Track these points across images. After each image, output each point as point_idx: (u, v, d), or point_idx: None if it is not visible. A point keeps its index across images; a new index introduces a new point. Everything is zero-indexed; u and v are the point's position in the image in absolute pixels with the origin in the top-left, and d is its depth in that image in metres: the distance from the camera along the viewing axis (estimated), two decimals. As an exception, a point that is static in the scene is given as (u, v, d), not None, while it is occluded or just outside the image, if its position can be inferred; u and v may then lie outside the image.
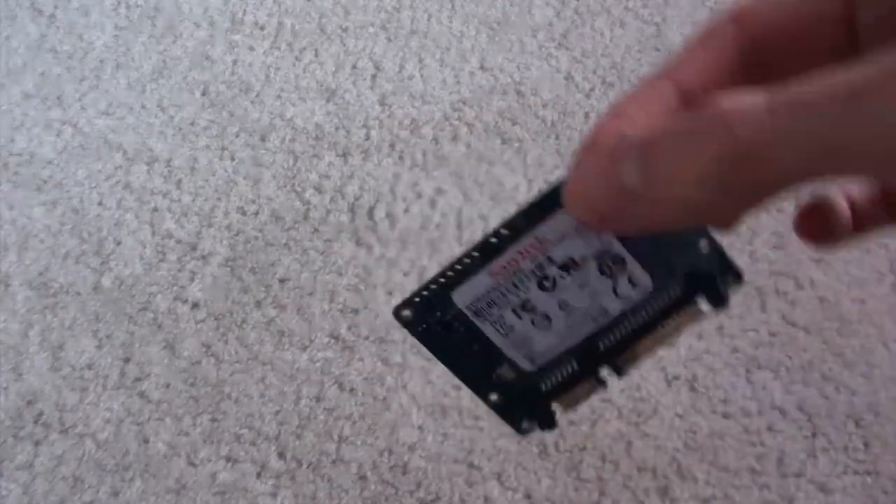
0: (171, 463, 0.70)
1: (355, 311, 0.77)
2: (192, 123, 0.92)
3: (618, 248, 0.24)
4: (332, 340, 0.76)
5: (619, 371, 0.26)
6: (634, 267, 0.24)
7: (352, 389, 0.73)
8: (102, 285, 0.80)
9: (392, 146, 0.89)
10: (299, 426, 0.71)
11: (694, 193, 0.17)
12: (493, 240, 0.23)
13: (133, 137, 0.91)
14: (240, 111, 0.93)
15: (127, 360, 0.75)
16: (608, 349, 0.25)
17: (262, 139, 0.91)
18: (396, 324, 0.83)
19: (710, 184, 0.17)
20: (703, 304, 0.25)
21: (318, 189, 0.86)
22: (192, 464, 0.70)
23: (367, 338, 0.76)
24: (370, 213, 0.84)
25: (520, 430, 0.26)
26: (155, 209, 0.85)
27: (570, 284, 0.24)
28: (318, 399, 0.73)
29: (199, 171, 0.88)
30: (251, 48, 0.99)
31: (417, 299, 0.25)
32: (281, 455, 0.70)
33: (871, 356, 0.75)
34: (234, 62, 0.98)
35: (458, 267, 0.24)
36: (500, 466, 0.69)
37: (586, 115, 0.92)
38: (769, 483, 0.69)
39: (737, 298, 0.78)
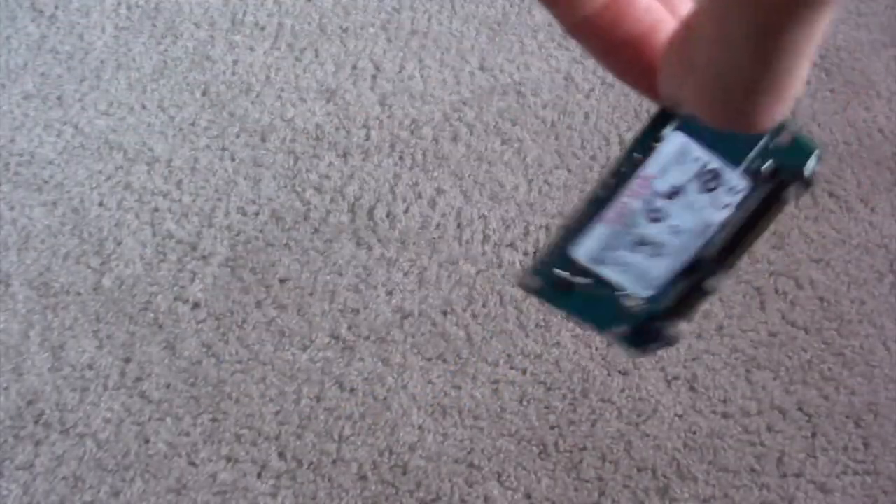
0: (172, 463, 0.70)
1: (355, 311, 0.77)
2: (192, 124, 0.92)
3: (714, 163, 0.25)
4: (333, 340, 0.76)
5: (725, 274, 0.27)
6: (731, 176, 0.25)
7: (352, 389, 0.73)
8: (103, 285, 0.80)
9: (392, 146, 0.89)
10: (300, 426, 0.71)
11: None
12: (602, 191, 0.25)
13: (133, 138, 0.91)
14: (240, 111, 0.93)
15: (127, 361, 0.75)
16: (715, 256, 0.27)
17: (263, 139, 0.91)
18: (396, 324, 0.83)
19: None
20: (790, 192, 0.26)
21: (319, 189, 0.86)
22: (192, 464, 0.70)
23: (367, 338, 0.76)
24: (370, 213, 0.84)
25: (648, 353, 0.28)
26: (155, 209, 0.85)
27: (678, 210, 0.25)
28: (318, 399, 0.73)
29: (199, 172, 0.88)
30: (251, 48, 0.99)
31: (540, 265, 0.26)
32: (281, 455, 0.70)
33: (870, 356, 0.75)
34: (235, 62, 0.98)
35: (573, 224, 0.25)
36: (500, 466, 0.69)
37: (586, 115, 0.92)
38: (769, 483, 0.69)
39: (736, 298, 0.78)
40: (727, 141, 0.24)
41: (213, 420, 0.72)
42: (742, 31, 0.18)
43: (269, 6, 1.02)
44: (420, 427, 0.71)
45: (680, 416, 0.72)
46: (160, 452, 0.70)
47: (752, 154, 0.25)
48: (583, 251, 0.26)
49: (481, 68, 0.96)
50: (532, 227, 0.83)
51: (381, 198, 0.85)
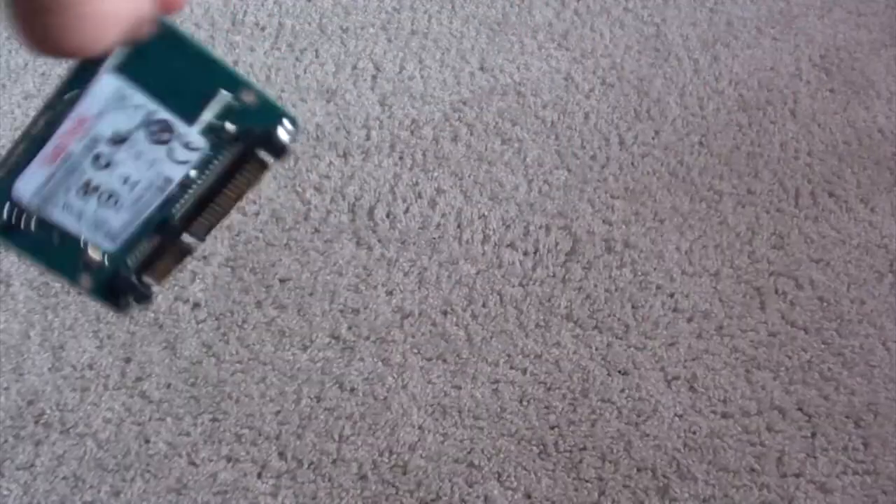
0: (172, 462, 0.70)
1: (355, 311, 0.77)
2: (192, 124, 0.92)
3: (163, 114, 0.24)
4: (333, 340, 0.76)
5: (200, 236, 0.27)
6: (186, 130, 0.24)
7: (352, 389, 0.73)
8: (103, 285, 0.80)
9: (392, 146, 0.89)
10: (300, 426, 0.71)
11: None
12: (35, 128, 0.24)
13: (134, 138, 0.91)
14: (240, 111, 0.93)
15: (128, 360, 0.75)
16: (184, 216, 0.26)
17: (263, 139, 0.91)
18: (397, 324, 0.82)
19: None
20: (266, 157, 0.26)
21: (319, 189, 0.86)
22: (192, 463, 0.70)
23: (367, 338, 0.76)
24: (370, 213, 0.84)
25: (119, 308, 0.27)
26: (155, 209, 0.85)
27: (127, 159, 0.24)
28: (318, 399, 0.73)
29: (199, 172, 0.88)
30: (252, 49, 0.99)
31: None
32: (281, 455, 0.70)
33: (870, 356, 0.75)
34: (235, 63, 0.98)
35: (10, 161, 0.24)
36: (500, 466, 0.69)
37: (586, 116, 0.92)
38: (769, 483, 0.69)
39: (737, 298, 0.78)
40: (175, 92, 0.23)
41: (214, 420, 0.72)
42: None
43: (269, 6, 1.03)
44: (420, 427, 0.71)
45: (680, 416, 0.72)
46: (160, 452, 0.70)
47: (211, 111, 0.24)
48: (24, 190, 0.25)
49: (481, 68, 0.96)
50: (532, 227, 0.83)
51: (381, 198, 0.85)
